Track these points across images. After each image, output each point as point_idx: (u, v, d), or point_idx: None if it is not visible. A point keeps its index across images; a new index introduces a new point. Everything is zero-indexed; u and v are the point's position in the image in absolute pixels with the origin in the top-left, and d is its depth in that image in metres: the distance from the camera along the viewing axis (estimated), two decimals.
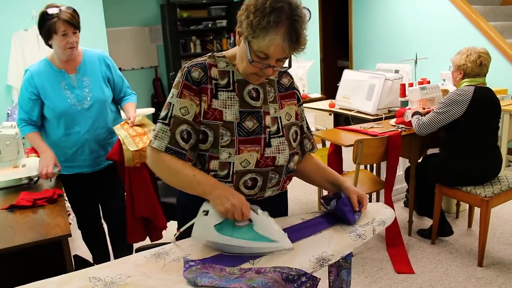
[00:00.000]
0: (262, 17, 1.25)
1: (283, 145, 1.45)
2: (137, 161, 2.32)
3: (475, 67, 2.80)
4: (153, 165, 1.40)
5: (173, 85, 1.41)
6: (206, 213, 1.30)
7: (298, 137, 1.54)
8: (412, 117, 3.06)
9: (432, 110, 2.91)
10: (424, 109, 3.16)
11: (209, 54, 1.46)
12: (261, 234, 1.28)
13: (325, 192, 3.45)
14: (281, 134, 1.46)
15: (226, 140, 1.37)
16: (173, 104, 1.37)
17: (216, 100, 1.39)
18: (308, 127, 1.62)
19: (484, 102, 2.78)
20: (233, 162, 1.37)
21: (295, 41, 1.28)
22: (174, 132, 1.36)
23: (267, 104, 1.45)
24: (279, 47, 1.27)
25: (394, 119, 3.45)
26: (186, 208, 1.53)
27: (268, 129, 1.43)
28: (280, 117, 1.48)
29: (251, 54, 1.30)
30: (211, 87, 1.39)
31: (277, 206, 1.57)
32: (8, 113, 4.09)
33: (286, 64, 1.36)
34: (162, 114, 1.39)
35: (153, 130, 1.40)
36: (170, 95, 1.40)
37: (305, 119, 1.62)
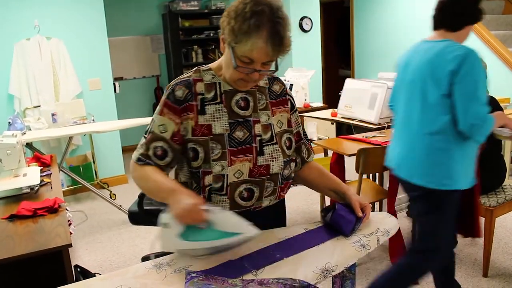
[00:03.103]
0: (242, 22, 1.25)
1: (276, 152, 1.43)
2: None
3: None
4: (132, 175, 1.43)
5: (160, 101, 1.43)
6: (166, 225, 1.27)
7: (293, 144, 1.51)
8: None
9: None
10: None
11: (195, 68, 1.46)
12: (224, 231, 1.26)
13: (327, 202, 3.43)
14: (274, 141, 1.44)
15: (217, 154, 1.36)
16: (154, 120, 1.40)
17: (203, 115, 1.38)
18: (305, 134, 1.61)
19: None
20: (227, 174, 1.36)
21: (278, 44, 1.26)
22: (149, 147, 1.39)
23: (257, 112, 1.44)
24: (262, 51, 1.26)
25: None
26: None
27: (258, 138, 1.42)
28: (272, 124, 1.46)
29: (235, 60, 1.30)
30: (197, 104, 1.38)
31: (274, 217, 1.55)
32: (9, 122, 4.08)
33: (272, 68, 1.34)
34: (146, 127, 1.43)
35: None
36: (156, 110, 1.42)
37: (301, 126, 1.60)
